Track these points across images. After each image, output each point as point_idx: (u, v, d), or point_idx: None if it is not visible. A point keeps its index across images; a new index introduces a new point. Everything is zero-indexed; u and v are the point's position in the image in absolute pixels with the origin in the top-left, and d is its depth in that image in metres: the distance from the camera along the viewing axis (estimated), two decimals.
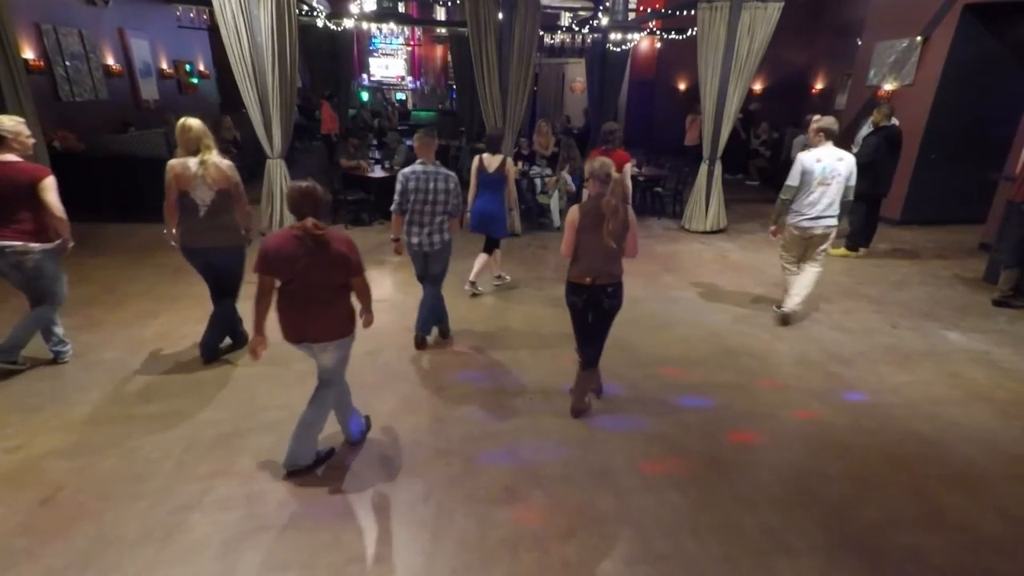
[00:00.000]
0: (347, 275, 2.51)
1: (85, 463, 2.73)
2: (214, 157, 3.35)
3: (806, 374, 3.86)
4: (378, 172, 7.49)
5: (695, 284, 5.59)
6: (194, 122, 3.34)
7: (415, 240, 3.80)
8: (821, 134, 4.25)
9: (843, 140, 8.61)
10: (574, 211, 2.98)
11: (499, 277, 5.40)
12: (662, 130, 14.07)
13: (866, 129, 6.38)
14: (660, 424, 3.24)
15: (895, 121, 6.24)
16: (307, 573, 2.18)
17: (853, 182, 4.23)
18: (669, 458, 2.94)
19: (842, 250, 6.61)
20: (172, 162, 3.31)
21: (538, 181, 7.78)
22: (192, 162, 3.29)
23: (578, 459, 2.91)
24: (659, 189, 8.69)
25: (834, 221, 4.28)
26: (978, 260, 6.29)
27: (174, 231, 3.48)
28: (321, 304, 2.50)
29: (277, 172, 6.51)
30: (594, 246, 2.92)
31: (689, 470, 2.85)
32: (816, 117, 6.79)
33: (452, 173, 3.77)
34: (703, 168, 7.38)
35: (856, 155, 6.26)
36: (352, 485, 2.67)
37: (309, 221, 2.36)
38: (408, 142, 9.68)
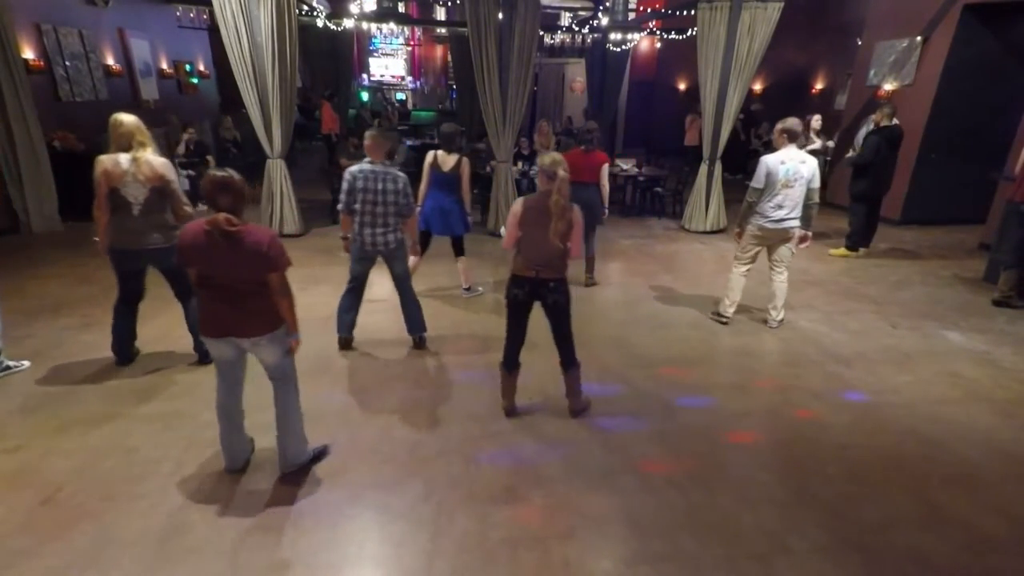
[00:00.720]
0: (263, 270, 2.37)
1: (85, 463, 2.73)
2: (147, 154, 3.24)
3: (806, 374, 3.86)
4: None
5: (695, 284, 5.59)
6: (126, 117, 3.23)
7: (368, 240, 3.70)
8: (784, 136, 4.19)
9: (844, 140, 8.65)
10: (517, 204, 2.95)
11: (467, 290, 5.15)
12: (662, 130, 14.08)
13: (867, 129, 6.38)
14: (660, 424, 3.24)
15: (896, 121, 6.24)
16: (307, 573, 2.18)
17: (817, 184, 4.19)
18: (669, 458, 2.94)
19: (842, 250, 6.61)
20: (101, 157, 3.19)
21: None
22: (123, 158, 3.19)
23: (578, 459, 2.91)
24: (659, 189, 8.69)
25: (796, 223, 4.26)
26: (978, 260, 6.29)
27: (103, 236, 3.31)
28: (247, 298, 2.40)
29: (277, 172, 6.51)
30: (536, 241, 2.88)
31: (689, 470, 2.85)
32: (816, 117, 6.82)
33: (402, 174, 3.67)
34: (703, 168, 7.38)
35: (857, 156, 6.30)
36: (352, 485, 2.66)
37: (221, 216, 2.24)
38: (409, 142, 9.68)
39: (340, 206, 3.71)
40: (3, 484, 2.58)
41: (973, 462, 2.98)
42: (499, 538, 2.37)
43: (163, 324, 4.20)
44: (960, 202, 7.89)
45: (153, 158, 3.28)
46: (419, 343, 4.08)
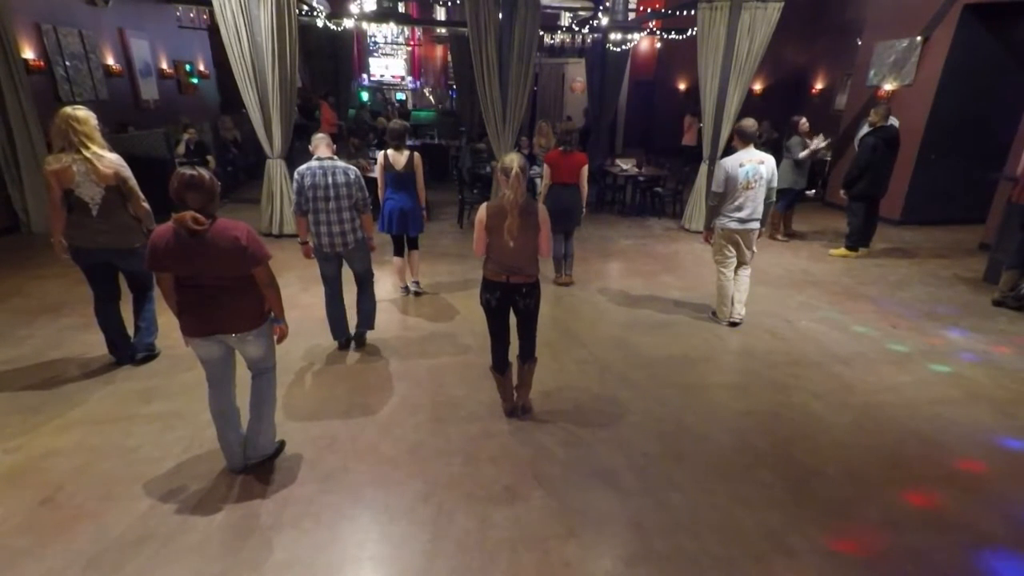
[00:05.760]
0: (245, 266, 2.35)
1: (85, 463, 2.73)
2: (95, 151, 3.11)
3: (806, 374, 3.86)
4: (377, 172, 7.49)
5: (695, 284, 5.59)
6: (62, 112, 3.07)
7: (325, 240, 3.61)
8: (738, 137, 4.17)
9: (844, 141, 8.64)
10: (481, 210, 2.90)
11: (416, 284, 5.14)
12: (662, 130, 14.07)
13: (864, 129, 6.38)
14: (660, 424, 3.24)
15: (893, 121, 6.23)
16: (307, 572, 2.18)
17: (775, 183, 4.19)
18: (669, 458, 2.94)
19: (842, 250, 6.61)
20: (48, 158, 3.11)
21: (538, 181, 7.78)
22: (72, 157, 3.08)
23: (578, 459, 2.91)
24: (659, 189, 8.69)
25: (759, 224, 4.28)
26: (978, 260, 6.29)
27: (63, 240, 3.25)
28: (230, 295, 2.38)
29: (277, 172, 6.52)
30: (504, 244, 2.85)
31: (689, 470, 2.85)
32: (803, 120, 6.84)
33: (351, 166, 3.60)
34: (703, 168, 7.38)
35: (854, 160, 6.30)
36: (352, 485, 2.67)
37: (188, 214, 2.21)
38: (409, 142, 9.68)
39: (293, 208, 3.63)
40: (3, 484, 2.58)
41: (973, 462, 2.97)
42: (499, 538, 2.37)
43: (164, 324, 4.19)
44: (960, 202, 7.90)
45: (103, 154, 3.17)
46: (359, 340, 4.03)
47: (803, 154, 6.64)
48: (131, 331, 3.70)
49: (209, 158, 8.10)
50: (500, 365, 3.19)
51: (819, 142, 6.71)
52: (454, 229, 7.51)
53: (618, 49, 10.47)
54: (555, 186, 5.14)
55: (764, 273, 5.83)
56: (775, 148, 11.42)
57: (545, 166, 5.17)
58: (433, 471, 2.78)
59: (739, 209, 4.21)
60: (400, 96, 17.44)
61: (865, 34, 8.74)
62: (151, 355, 3.74)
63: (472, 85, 7.34)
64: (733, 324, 4.55)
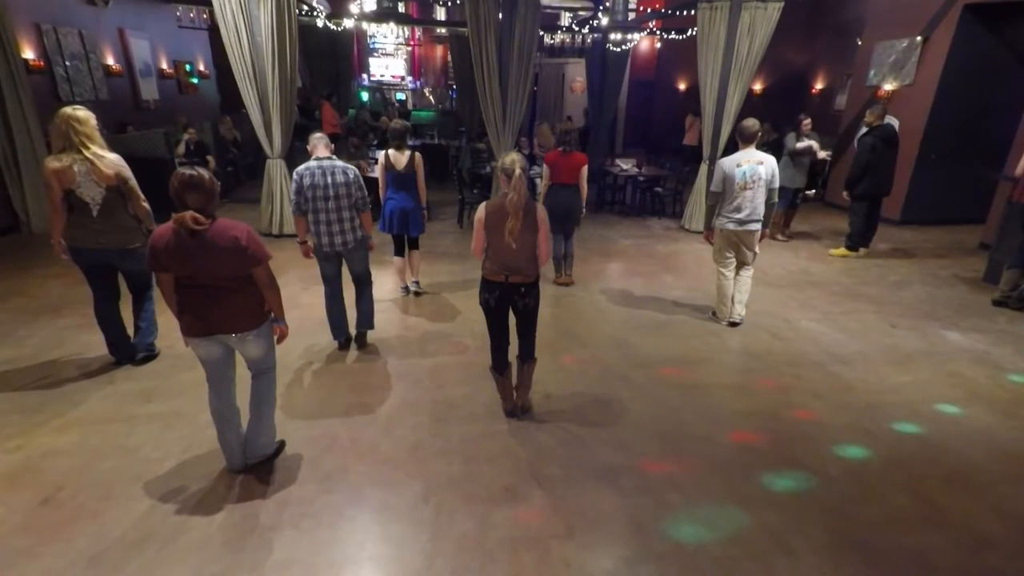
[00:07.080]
0: (245, 266, 2.36)
1: (85, 463, 2.73)
2: (96, 151, 3.11)
3: (806, 374, 3.86)
4: (378, 172, 7.48)
5: (695, 284, 5.59)
6: (62, 112, 3.06)
7: (325, 240, 3.62)
8: (736, 136, 4.18)
9: (844, 140, 8.64)
10: (480, 210, 2.89)
11: (416, 283, 5.15)
12: (662, 130, 14.08)
13: (862, 130, 6.38)
14: (660, 424, 3.24)
15: (891, 120, 6.22)
16: (307, 572, 2.18)
17: (776, 184, 4.17)
18: (669, 458, 2.94)
19: (842, 250, 6.61)
20: (49, 158, 3.09)
21: (538, 181, 7.78)
22: (72, 157, 3.07)
23: (578, 459, 2.91)
24: (659, 189, 8.69)
25: (760, 224, 4.26)
26: (978, 260, 6.29)
27: (62, 241, 3.24)
28: (230, 295, 2.38)
29: (277, 172, 6.52)
30: (503, 244, 2.84)
31: (689, 470, 2.85)
32: (807, 120, 6.83)
33: (351, 166, 3.61)
34: (703, 168, 7.38)
35: (854, 161, 6.30)
36: (352, 485, 2.67)
37: (188, 214, 2.21)
38: (409, 142, 9.69)
39: (292, 208, 3.63)
40: (3, 484, 2.58)
41: (973, 462, 2.98)
42: (499, 538, 2.37)
43: (164, 324, 4.19)
44: (960, 202, 7.90)
45: (104, 154, 3.16)
46: (360, 341, 4.03)
47: (798, 145, 6.65)
48: (131, 331, 3.70)
49: (209, 158, 8.10)
50: (500, 365, 3.19)
51: (815, 145, 6.73)
52: (454, 229, 7.51)
53: (618, 49, 10.47)
54: (555, 186, 5.14)
55: (764, 273, 5.82)
56: (775, 149, 11.44)
57: (544, 166, 5.17)
58: (433, 471, 2.77)
59: (738, 210, 4.20)
60: (400, 96, 17.43)
61: (865, 34, 8.74)
62: (151, 355, 3.74)
63: (472, 85, 7.34)
64: (733, 324, 4.55)
